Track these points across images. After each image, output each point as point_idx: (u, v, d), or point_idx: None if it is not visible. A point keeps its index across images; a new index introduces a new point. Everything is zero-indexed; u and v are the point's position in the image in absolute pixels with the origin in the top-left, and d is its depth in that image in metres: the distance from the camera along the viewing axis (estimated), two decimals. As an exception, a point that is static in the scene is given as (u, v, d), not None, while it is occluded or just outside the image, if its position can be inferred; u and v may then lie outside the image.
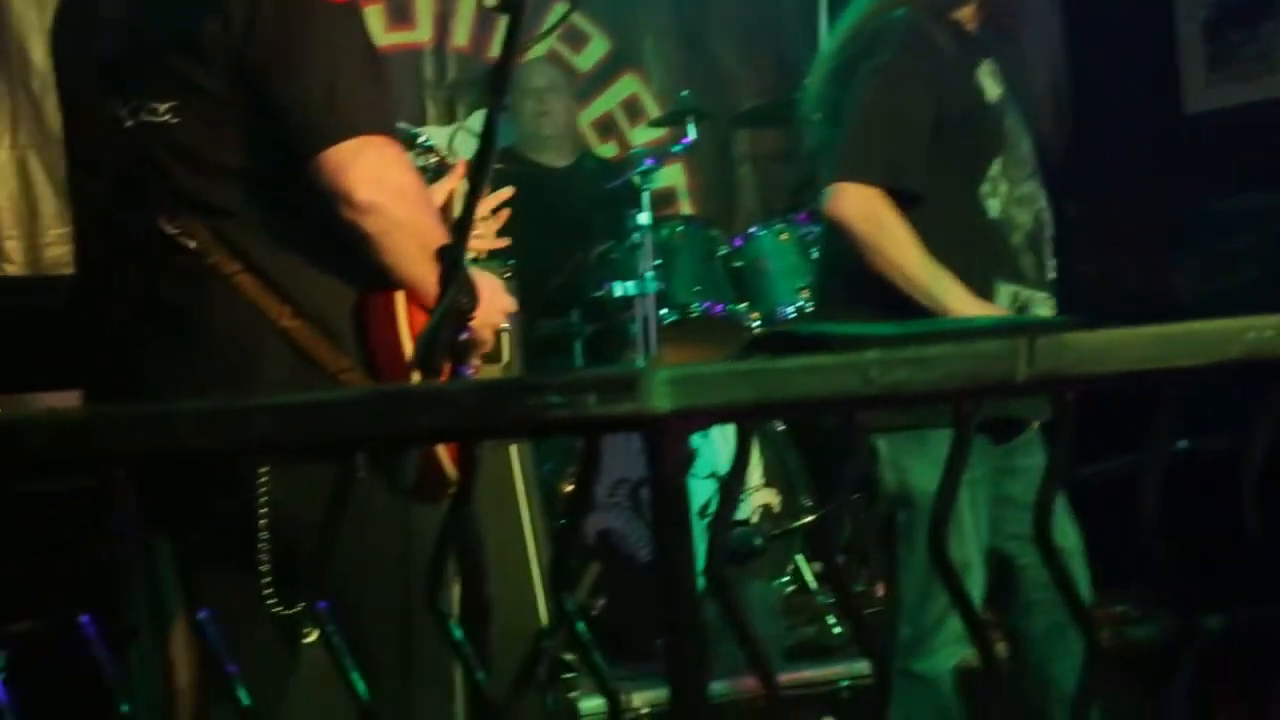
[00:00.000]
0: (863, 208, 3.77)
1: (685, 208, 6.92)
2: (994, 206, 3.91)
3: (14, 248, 5.82)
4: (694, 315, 5.61)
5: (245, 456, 2.25)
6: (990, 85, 3.88)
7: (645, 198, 5.60)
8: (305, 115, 2.74)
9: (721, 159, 7.05)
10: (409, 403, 1.53)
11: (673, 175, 6.92)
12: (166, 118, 2.81)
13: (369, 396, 1.93)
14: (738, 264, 5.66)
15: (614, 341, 5.78)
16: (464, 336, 2.59)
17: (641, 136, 6.91)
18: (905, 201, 3.81)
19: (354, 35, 2.86)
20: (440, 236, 2.69)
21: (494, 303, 3.04)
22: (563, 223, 5.89)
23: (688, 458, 1.62)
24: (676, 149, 6.17)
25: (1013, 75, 4.01)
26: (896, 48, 3.87)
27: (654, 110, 7.06)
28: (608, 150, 6.90)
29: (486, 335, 3.27)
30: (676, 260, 5.69)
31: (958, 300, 3.71)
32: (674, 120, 6.26)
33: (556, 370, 4.77)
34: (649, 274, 5.50)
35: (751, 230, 5.82)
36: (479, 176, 2.51)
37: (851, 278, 3.92)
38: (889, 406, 1.50)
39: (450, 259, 2.40)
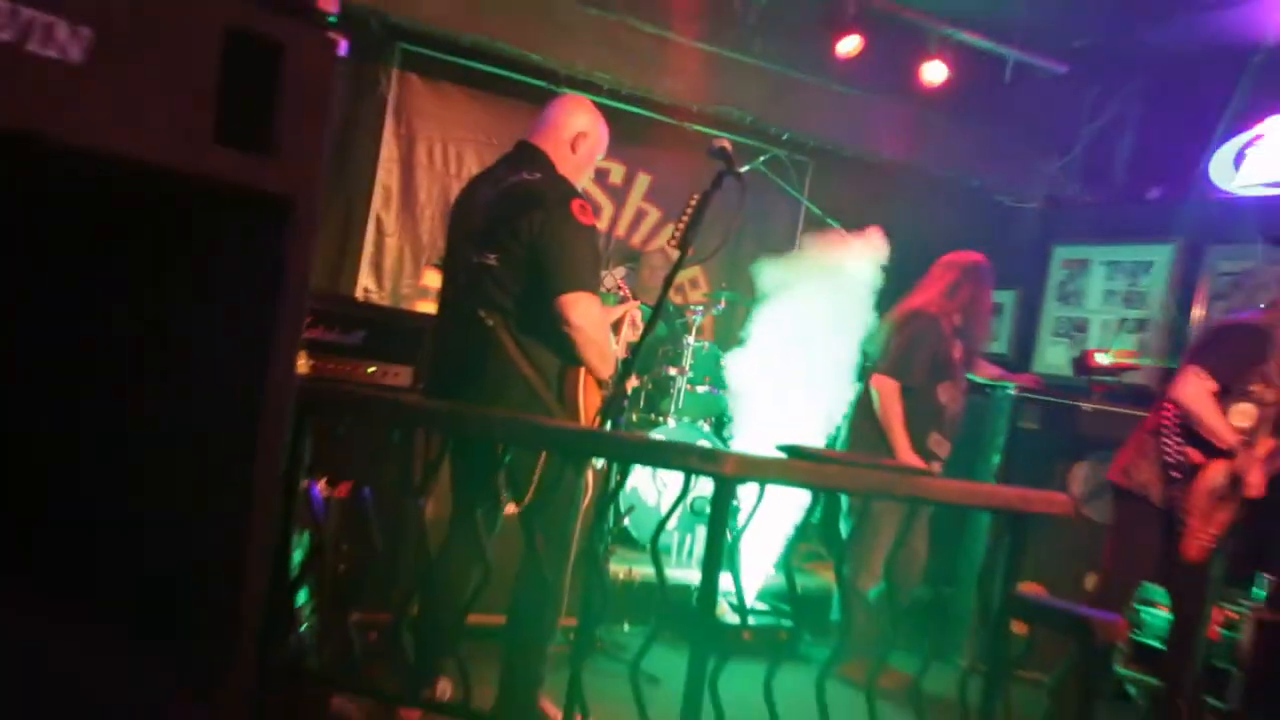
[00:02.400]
0: (885, 389, 5.32)
1: (709, 336, 7.53)
2: (942, 396, 5.44)
3: (384, 289, 6.88)
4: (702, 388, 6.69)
5: (496, 440, 3.56)
6: (957, 351, 5.41)
7: (695, 326, 6.67)
8: (555, 275, 3.77)
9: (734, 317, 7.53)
10: (591, 440, 2.79)
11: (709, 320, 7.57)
12: (492, 261, 3.86)
13: (576, 432, 3.19)
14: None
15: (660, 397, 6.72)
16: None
17: (694, 295, 7.77)
18: (905, 390, 5.34)
19: (588, 240, 3.86)
20: (607, 351, 3.90)
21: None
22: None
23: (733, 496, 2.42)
24: (715, 311, 7.20)
25: (966, 344, 5.53)
26: (920, 325, 5.39)
27: (704, 284, 7.95)
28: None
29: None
30: (699, 362, 6.70)
31: (904, 447, 5.24)
32: (716, 295, 7.23)
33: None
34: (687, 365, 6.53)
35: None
36: (655, 318, 3.82)
37: (869, 420, 5.43)
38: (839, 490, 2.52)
39: (625, 365, 3.73)
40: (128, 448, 1.92)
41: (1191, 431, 4.65)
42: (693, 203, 3.28)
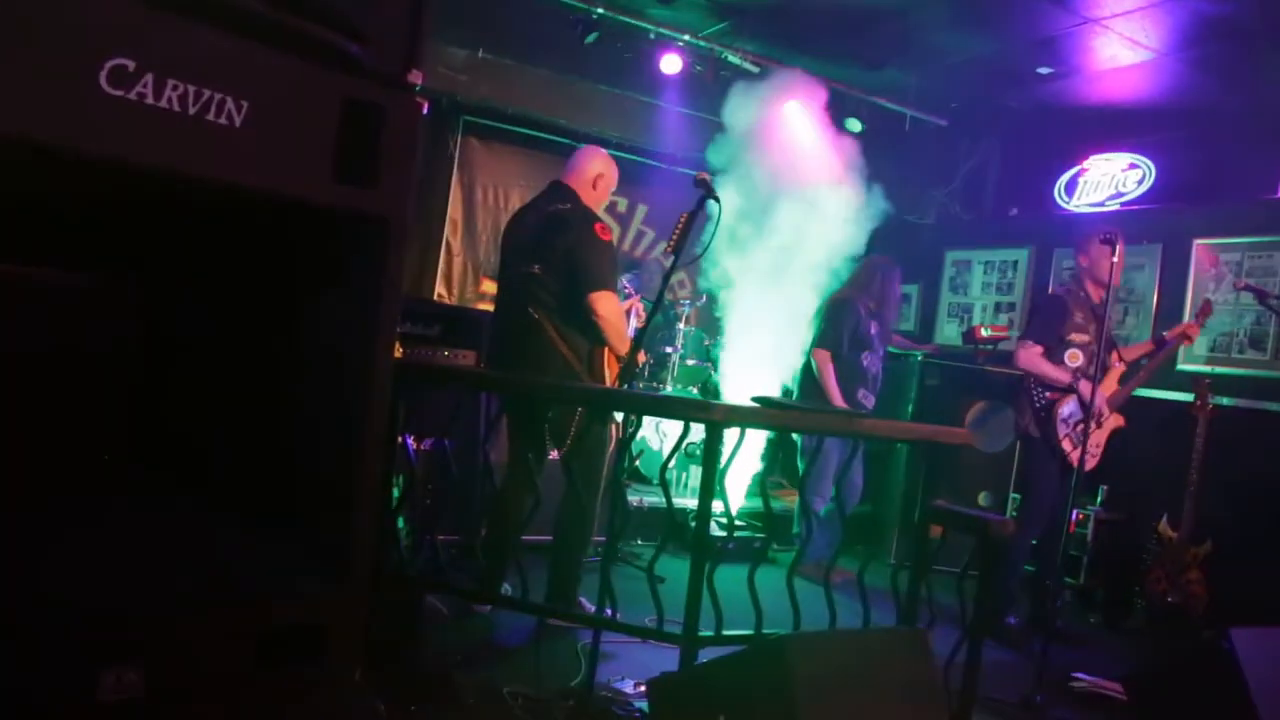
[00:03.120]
0: (820, 357, 5.32)
1: (694, 323, 6.99)
2: (864, 361, 5.42)
3: (453, 294, 6.88)
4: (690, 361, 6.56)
5: (542, 400, 3.52)
6: (873, 327, 5.42)
7: (684, 315, 6.47)
8: (585, 279, 3.78)
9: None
10: (617, 397, 2.80)
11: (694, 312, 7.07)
12: (537, 271, 3.87)
13: (601, 390, 3.18)
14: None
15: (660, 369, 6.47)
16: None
17: (682, 294, 7.31)
18: (835, 357, 5.34)
19: (607, 251, 3.87)
20: (624, 333, 3.85)
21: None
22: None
23: (724, 439, 2.39)
24: (697, 304, 6.83)
25: (880, 323, 5.54)
26: (842, 308, 5.38)
27: (689, 285, 7.43)
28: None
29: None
30: (688, 342, 6.56)
31: (838, 401, 5.23)
32: (698, 292, 6.82)
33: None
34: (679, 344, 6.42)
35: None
36: (655, 309, 3.83)
37: (812, 382, 5.42)
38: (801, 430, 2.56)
39: (635, 344, 3.73)
40: (279, 414, 1.93)
41: (1043, 383, 4.74)
42: (681, 221, 3.25)
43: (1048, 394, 4.70)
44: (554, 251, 3.86)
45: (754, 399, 2.57)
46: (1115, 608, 5.55)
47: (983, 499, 6.01)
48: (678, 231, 3.19)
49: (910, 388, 6.19)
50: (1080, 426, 4.60)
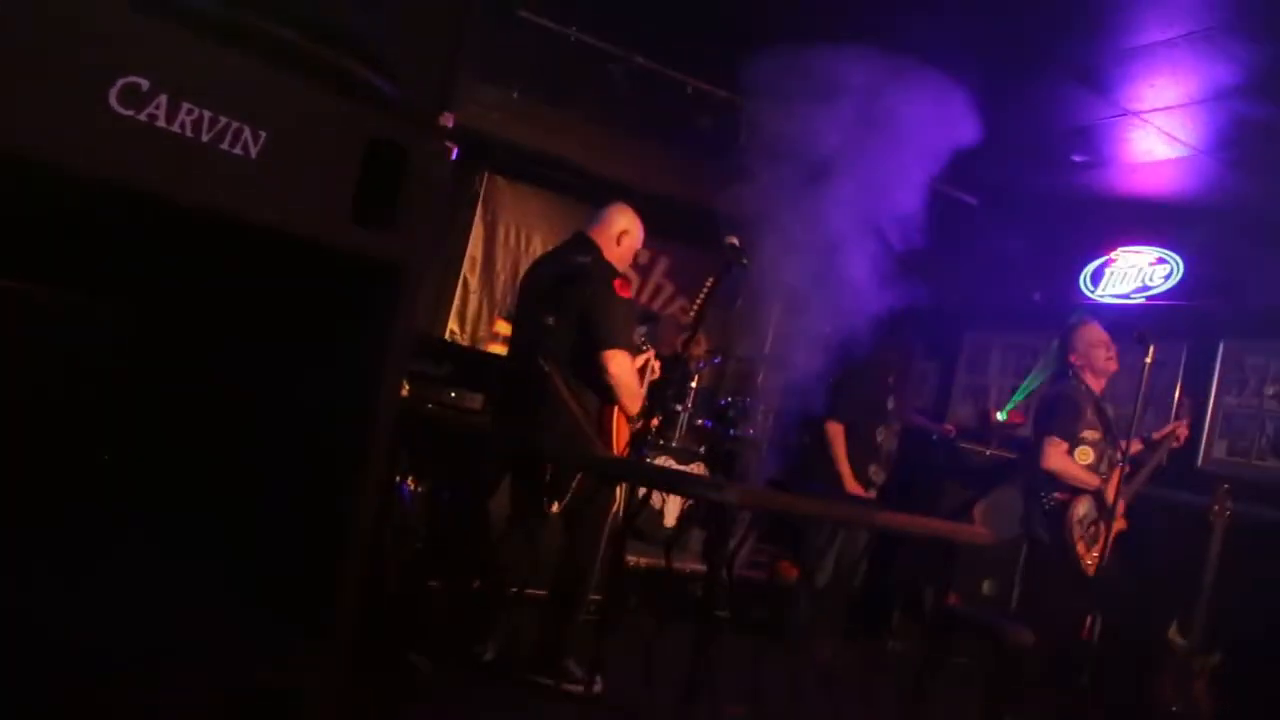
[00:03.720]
0: (833, 430, 5.16)
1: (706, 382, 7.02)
2: (878, 436, 5.28)
3: (465, 333, 6.83)
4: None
5: (544, 460, 3.38)
6: (890, 402, 5.29)
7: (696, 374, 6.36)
8: (598, 335, 3.70)
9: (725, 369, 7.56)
10: (630, 467, 2.68)
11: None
12: (551, 322, 3.79)
13: (609, 461, 3.05)
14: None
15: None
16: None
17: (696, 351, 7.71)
18: (849, 430, 5.15)
19: (626, 309, 3.80)
20: (637, 393, 3.77)
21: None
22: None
23: (734, 521, 2.38)
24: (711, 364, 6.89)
25: (897, 400, 5.37)
26: (861, 380, 5.19)
27: (704, 343, 7.69)
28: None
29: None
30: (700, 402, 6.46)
31: (848, 475, 5.08)
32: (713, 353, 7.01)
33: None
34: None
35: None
36: (675, 371, 3.74)
37: (822, 452, 5.22)
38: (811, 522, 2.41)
39: (649, 410, 3.61)
40: (283, 449, 1.82)
41: (1053, 483, 4.54)
42: (708, 286, 3.14)
43: (1057, 495, 4.52)
44: (570, 305, 3.79)
45: (770, 482, 2.44)
46: (1117, 715, 5.34)
47: (986, 587, 5.82)
48: (703, 297, 3.07)
49: (921, 465, 6.03)
50: (1093, 529, 4.44)
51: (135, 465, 1.96)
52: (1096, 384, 4.63)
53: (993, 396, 7.24)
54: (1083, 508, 4.48)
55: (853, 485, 5.05)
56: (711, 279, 3.12)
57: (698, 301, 3.09)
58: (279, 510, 1.80)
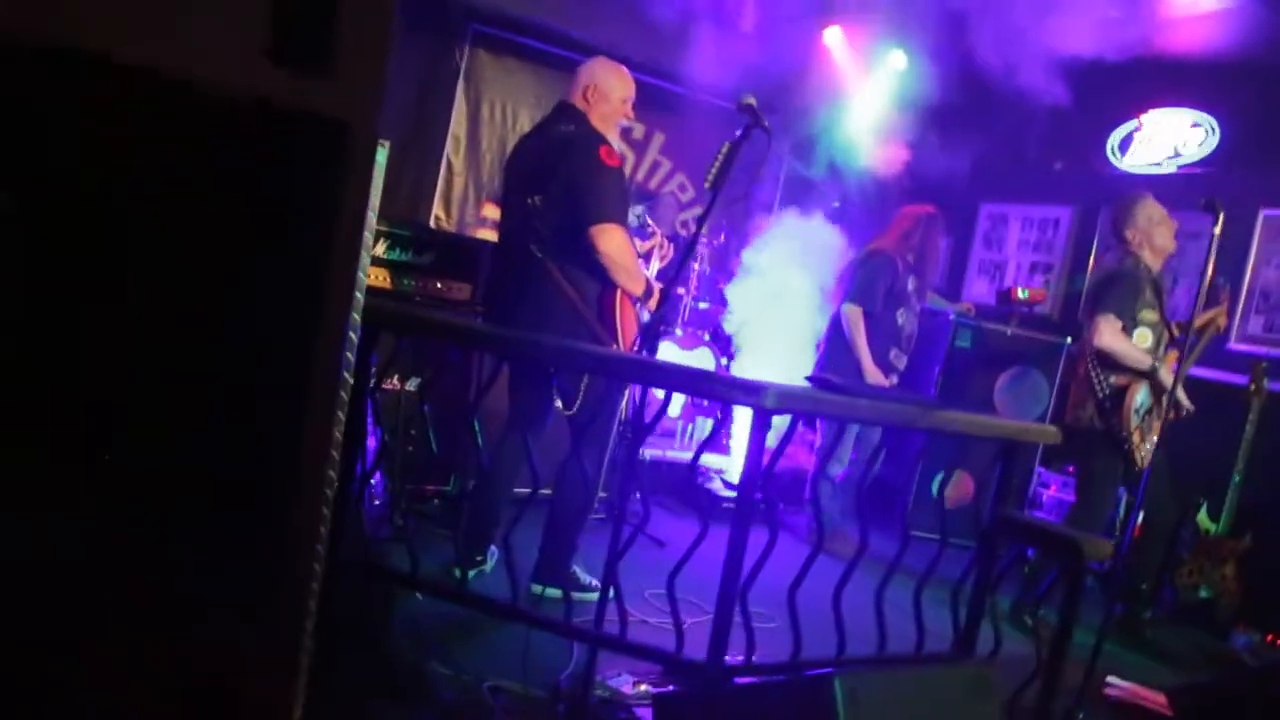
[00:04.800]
0: (852, 314, 4.78)
1: (708, 264, 7.04)
2: (899, 319, 4.90)
3: (451, 219, 6.37)
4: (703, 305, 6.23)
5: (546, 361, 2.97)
6: (910, 283, 4.90)
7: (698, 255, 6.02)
8: (588, 210, 3.34)
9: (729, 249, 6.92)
10: (648, 367, 2.30)
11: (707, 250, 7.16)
12: (537, 202, 3.44)
13: (621, 359, 2.63)
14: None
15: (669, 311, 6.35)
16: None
17: None
18: (868, 314, 4.80)
19: (615, 179, 3.42)
20: (635, 271, 3.44)
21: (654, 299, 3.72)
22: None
23: (769, 426, 1.88)
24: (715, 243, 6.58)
25: (919, 279, 5.04)
26: (879, 262, 4.85)
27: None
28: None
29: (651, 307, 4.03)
30: (700, 284, 6.18)
31: (868, 362, 4.73)
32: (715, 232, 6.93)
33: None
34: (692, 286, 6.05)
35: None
36: (687, 252, 3.34)
37: (841, 340, 4.88)
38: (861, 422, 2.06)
39: (663, 294, 3.20)
40: (197, 357, 1.43)
41: (1109, 365, 4.15)
42: (724, 151, 2.70)
43: (1114, 379, 4.14)
44: (554, 180, 3.42)
45: (808, 378, 2.07)
46: (1140, 598, 5.11)
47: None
48: (718, 163, 2.64)
49: (940, 348, 5.67)
50: (1148, 418, 4.10)
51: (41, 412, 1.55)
52: (1154, 263, 4.25)
53: (1011, 273, 6.84)
54: (1139, 394, 4.13)
55: (874, 372, 4.72)
56: (727, 145, 2.68)
57: (711, 172, 2.66)
58: (215, 455, 1.42)
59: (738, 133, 2.76)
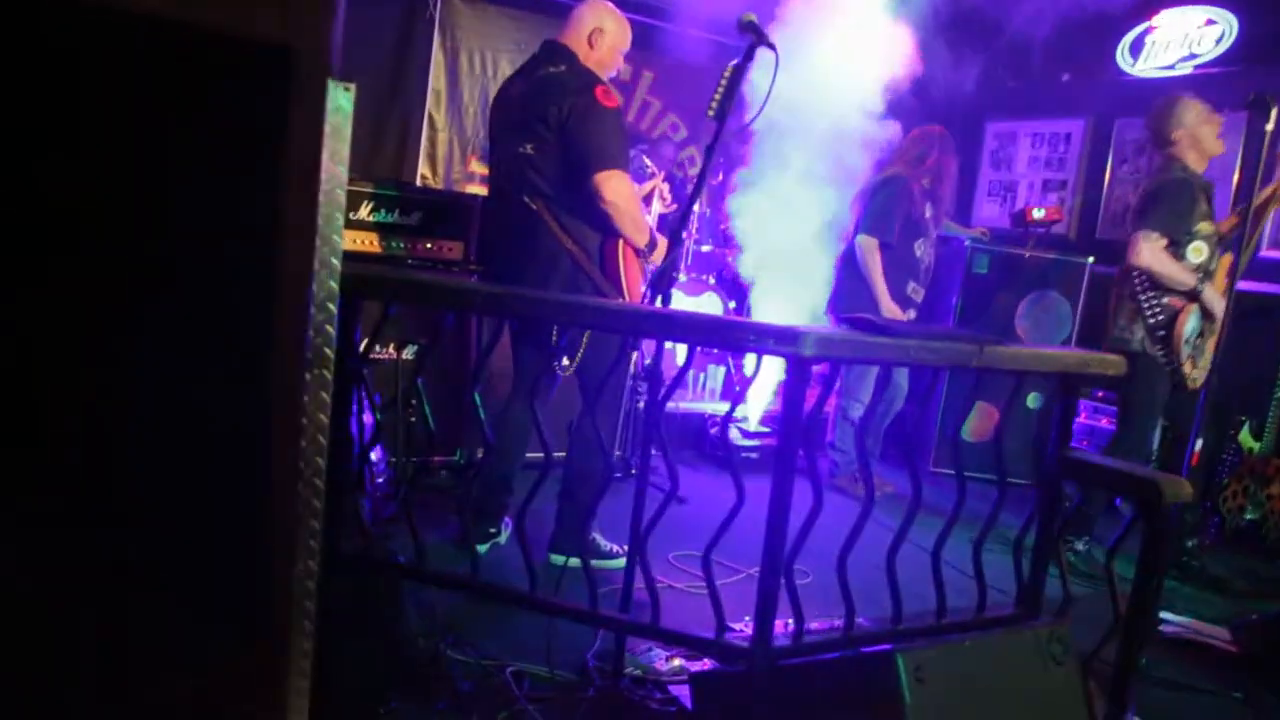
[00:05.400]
0: (867, 245, 4.51)
1: (709, 204, 6.72)
2: (917, 250, 4.65)
3: (438, 177, 6.07)
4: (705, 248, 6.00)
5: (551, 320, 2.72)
6: (927, 210, 4.62)
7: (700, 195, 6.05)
8: (587, 157, 3.12)
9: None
10: (665, 319, 2.06)
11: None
12: (530, 151, 3.21)
13: (639, 311, 2.38)
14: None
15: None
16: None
17: (695, 171, 6.75)
18: (884, 246, 4.53)
19: (614, 120, 3.19)
20: (641, 221, 3.23)
21: (662, 248, 3.57)
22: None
23: (808, 379, 1.70)
24: (714, 181, 6.14)
25: (935, 204, 4.75)
26: (894, 188, 4.54)
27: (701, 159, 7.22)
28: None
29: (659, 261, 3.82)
30: (702, 226, 5.90)
31: (885, 296, 4.48)
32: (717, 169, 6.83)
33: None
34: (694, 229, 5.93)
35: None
36: (696, 192, 3.05)
37: (855, 273, 4.61)
38: (911, 364, 1.89)
39: (674, 236, 2.95)
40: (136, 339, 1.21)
41: (1159, 286, 3.89)
42: (726, 75, 2.44)
43: (1166, 300, 3.87)
44: (547, 125, 3.18)
45: (844, 319, 1.84)
46: (1184, 526, 4.93)
47: (1032, 400, 5.34)
48: (721, 89, 2.39)
49: (955, 276, 5.44)
50: (1199, 341, 3.86)
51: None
52: (1200, 167, 3.95)
53: (1023, 193, 6.57)
54: (1190, 321, 3.86)
55: (891, 308, 4.48)
56: (730, 68, 2.42)
57: (714, 99, 2.40)
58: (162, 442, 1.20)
59: (739, 58, 2.49)
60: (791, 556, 1.74)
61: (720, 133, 2.41)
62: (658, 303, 2.49)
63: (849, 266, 4.65)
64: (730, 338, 1.72)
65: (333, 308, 1.92)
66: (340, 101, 1.89)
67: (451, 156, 6.19)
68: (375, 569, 2.10)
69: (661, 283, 2.57)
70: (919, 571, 2.14)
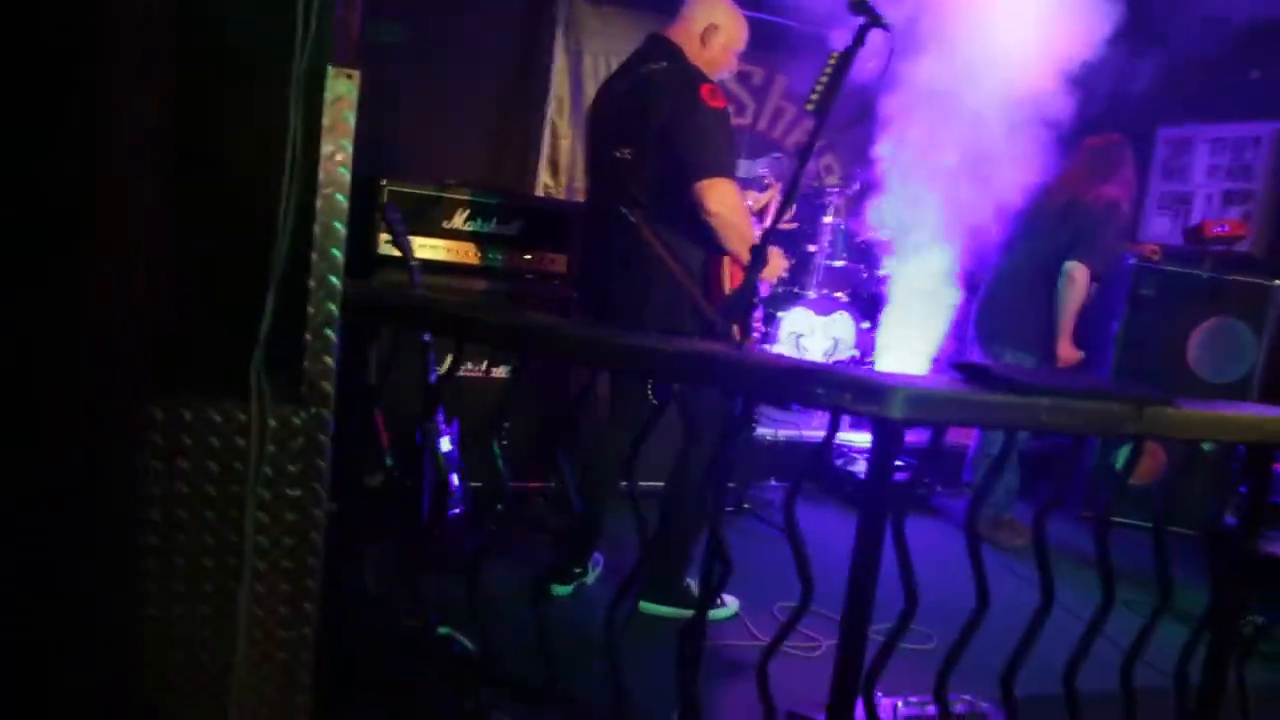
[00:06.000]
0: (1080, 276, 3.99)
1: (843, 217, 6.31)
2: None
3: (560, 185, 5.85)
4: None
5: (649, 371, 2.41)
6: None
7: (831, 207, 5.45)
8: (691, 163, 2.84)
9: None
10: (741, 365, 1.67)
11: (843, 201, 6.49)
12: (627, 156, 2.96)
13: (729, 358, 1.99)
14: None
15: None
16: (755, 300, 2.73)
17: (829, 180, 6.19)
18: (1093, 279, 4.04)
19: (720, 123, 2.91)
20: (749, 235, 2.86)
21: (775, 263, 3.28)
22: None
23: (900, 446, 1.37)
24: (849, 193, 5.81)
25: None
26: (1116, 215, 4.09)
27: (836, 169, 6.50)
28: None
29: (772, 278, 3.49)
30: (836, 240, 5.46)
31: (1068, 341, 3.99)
32: (850, 178, 5.88)
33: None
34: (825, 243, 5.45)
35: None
36: (785, 205, 2.75)
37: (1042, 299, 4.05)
38: (1041, 432, 1.49)
39: (758, 253, 2.65)
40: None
41: None
42: (832, 62, 2.08)
43: None
44: (646, 128, 2.90)
45: (958, 367, 1.45)
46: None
47: (1208, 444, 4.69)
48: (824, 79, 2.03)
49: (1118, 299, 4.84)
50: None
51: None
52: None
53: (1199, 206, 5.87)
54: None
55: (1069, 348, 4.02)
56: (835, 56, 2.06)
57: (815, 90, 2.04)
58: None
59: (848, 44, 2.12)
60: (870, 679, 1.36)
61: (819, 128, 2.03)
62: (732, 330, 2.13)
63: (1017, 287, 4.12)
64: (790, 389, 1.33)
65: (331, 334, 1.65)
66: (341, 90, 1.62)
67: (575, 164, 5.98)
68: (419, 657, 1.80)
69: (739, 307, 2.22)
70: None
